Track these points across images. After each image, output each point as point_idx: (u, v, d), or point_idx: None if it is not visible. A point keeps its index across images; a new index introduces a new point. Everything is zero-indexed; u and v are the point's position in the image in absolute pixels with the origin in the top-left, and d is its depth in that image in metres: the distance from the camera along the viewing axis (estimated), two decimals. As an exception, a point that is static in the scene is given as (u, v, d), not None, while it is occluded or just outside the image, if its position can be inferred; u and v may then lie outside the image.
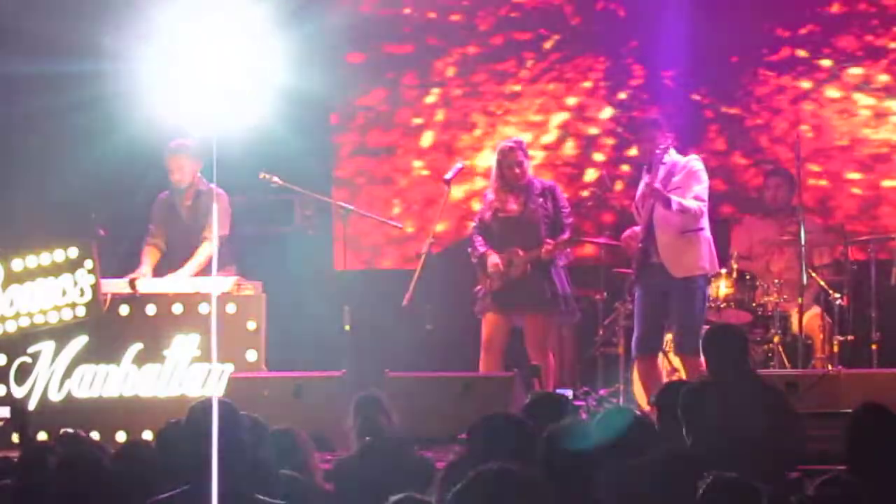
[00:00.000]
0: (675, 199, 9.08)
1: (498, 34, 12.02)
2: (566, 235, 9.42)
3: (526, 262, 9.38)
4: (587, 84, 11.83)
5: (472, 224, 9.83)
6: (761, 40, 11.57)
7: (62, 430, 6.88)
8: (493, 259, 9.46)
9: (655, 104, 11.33)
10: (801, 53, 11.54)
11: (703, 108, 11.65)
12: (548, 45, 11.91)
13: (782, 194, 10.64)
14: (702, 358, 9.27)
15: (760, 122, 11.64)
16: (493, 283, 9.46)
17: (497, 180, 9.59)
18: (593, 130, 11.76)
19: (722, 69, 11.60)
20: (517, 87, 11.94)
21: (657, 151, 9.15)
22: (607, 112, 11.74)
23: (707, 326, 8.90)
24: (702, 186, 9.21)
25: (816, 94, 11.52)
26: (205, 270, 9.77)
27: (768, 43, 11.57)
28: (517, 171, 9.50)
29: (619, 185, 9.43)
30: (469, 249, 9.67)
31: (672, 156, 9.25)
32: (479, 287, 9.56)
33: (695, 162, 9.29)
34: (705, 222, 9.27)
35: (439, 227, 9.76)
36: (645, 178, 9.31)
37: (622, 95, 11.73)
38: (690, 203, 9.11)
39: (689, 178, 9.20)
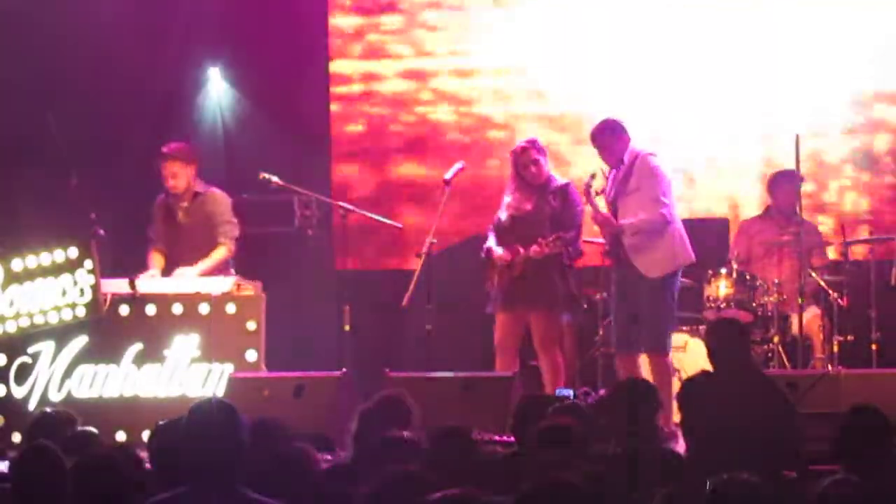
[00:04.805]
0: (627, 224, 9.13)
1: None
2: (571, 234, 9.39)
3: (523, 260, 9.37)
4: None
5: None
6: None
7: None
8: (499, 251, 9.47)
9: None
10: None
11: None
12: None
13: (793, 199, 10.29)
14: (669, 357, 9.37)
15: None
16: (500, 279, 9.45)
17: (514, 181, 9.57)
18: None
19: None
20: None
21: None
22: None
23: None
24: (661, 187, 9.21)
25: None
26: (215, 272, 9.78)
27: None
28: (533, 170, 9.48)
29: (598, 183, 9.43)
30: (483, 246, 9.68)
31: (631, 153, 9.26)
32: (488, 283, 9.57)
33: (650, 159, 9.27)
34: (674, 215, 9.26)
35: (439, 227, 9.75)
36: (610, 177, 9.36)
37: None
38: (643, 217, 9.11)
39: (647, 179, 9.19)
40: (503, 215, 9.60)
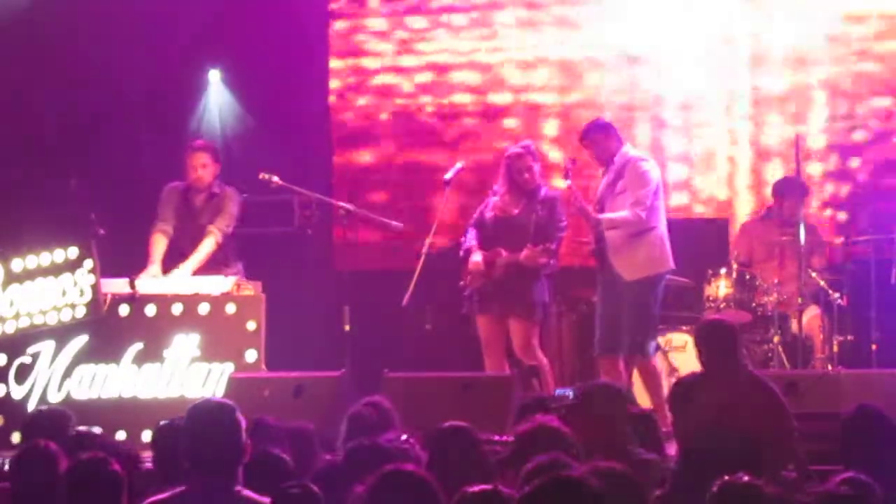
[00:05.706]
0: (603, 217, 9.19)
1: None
2: (553, 247, 9.36)
3: (506, 264, 9.37)
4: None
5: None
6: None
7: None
8: (476, 257, 9.46)
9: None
10: None
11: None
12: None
13: (798, 210, 10.07)
14: (653, 360, 9.37)
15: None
16: (474, 281, 9.45)
17: (505, 183, 9.57)
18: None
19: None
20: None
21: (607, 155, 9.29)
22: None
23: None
24: (645, 190, 9.20)
25: None
26: (206, 265, 9.77)
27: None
28: (526, 176, 9.48)
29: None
30: (461, 240, 9.67)
31: (623, 156, 9.28)
32: (462, 283, 9.55)
33: (641, 163, 9.30)
34: (658, 220, 9.27)
35: (439, 228, 9.76)
36: (603, 179, 9.38)
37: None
38: (622, 214, 9.17)
39: (633, 183, 9.21)
40: (488, 214, 9.60)
